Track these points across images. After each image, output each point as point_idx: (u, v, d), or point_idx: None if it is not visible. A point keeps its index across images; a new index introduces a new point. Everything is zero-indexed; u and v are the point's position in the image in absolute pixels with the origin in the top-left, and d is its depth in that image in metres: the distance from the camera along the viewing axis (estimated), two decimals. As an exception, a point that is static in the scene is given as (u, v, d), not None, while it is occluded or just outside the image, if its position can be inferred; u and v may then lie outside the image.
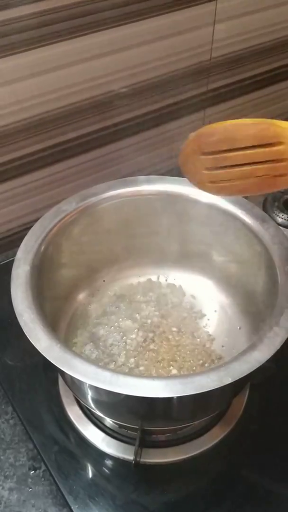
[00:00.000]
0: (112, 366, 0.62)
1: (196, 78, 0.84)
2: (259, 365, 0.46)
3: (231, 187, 0.48)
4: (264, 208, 0.82)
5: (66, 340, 0.64)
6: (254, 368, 0.46)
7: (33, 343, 0.48)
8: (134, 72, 0.76)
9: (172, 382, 0.45)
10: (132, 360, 0.63)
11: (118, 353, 0.63)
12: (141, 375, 0.60)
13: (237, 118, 0.99)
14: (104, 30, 0.69)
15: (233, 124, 0.44)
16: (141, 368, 0.62)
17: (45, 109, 0.71)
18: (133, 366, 0.62)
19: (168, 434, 0.61)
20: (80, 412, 0.63)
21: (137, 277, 0.72)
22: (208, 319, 0.68)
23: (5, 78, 0.66)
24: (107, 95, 0.76)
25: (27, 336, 0.48)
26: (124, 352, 0.63)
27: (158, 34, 0.74)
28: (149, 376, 0.60)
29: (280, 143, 0.43)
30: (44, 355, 0.47)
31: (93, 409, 0.57)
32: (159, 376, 0.60)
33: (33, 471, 0.59)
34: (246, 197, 0.63)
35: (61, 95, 0.71)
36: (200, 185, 0.50)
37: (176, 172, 0.92)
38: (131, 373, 0.61)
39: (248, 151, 0.45)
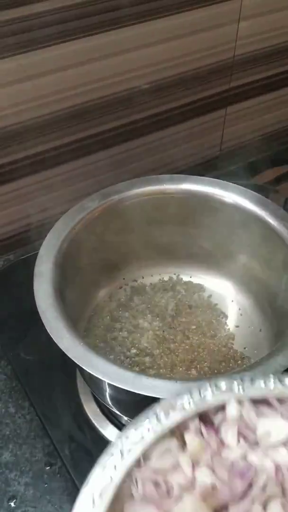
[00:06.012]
0: (128, 364, 0.62)
1: (219, 75, 0.83)
2: (283, 369, 0.46)
3: None
4: (286, 209, 0.81)
5: (85, 337, 0.64)
6: (278, 372, 0.46)
7: (55, 341, 0.48)
8: (156, 68, 0.75)
9: (196, 385, 0.45)
10: (147, 359, 0.62)
11: (136, 352, 0.63)
12: (163, 377, 0.60)
13: (259, 117, 0.98)
14: (126, 27, 0.68)
15: None
16: (160, 367, 0.62)
17: (67, 105, 0.71)
18: (149, 365, 0.62)
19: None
20: (98, 409, 0.63)
21: (158, 276, 0.72)
22: (229, 320, 0.68)
23: (28, 73, 0.65)
24: (130, 92, 0.75)
25: (50, 334, 0.48)
26: (142, 350, 0.63)
27: (182, 31, 0.74)
28: (171, 378, 0.60)
29: None
30: (67, 354, 0.47)
31: (111, 407, 0.57)
32: (181, 378, 0.60)
33: (49, 467, 0.59)
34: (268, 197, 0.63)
35: (84, 90, 0.71)
36: None
37: (198, 170, 0.92)
38: (147, 372, 0.61)
39: None
